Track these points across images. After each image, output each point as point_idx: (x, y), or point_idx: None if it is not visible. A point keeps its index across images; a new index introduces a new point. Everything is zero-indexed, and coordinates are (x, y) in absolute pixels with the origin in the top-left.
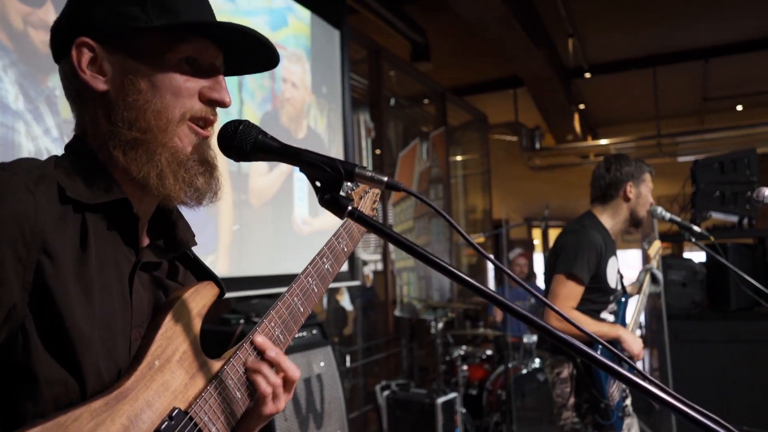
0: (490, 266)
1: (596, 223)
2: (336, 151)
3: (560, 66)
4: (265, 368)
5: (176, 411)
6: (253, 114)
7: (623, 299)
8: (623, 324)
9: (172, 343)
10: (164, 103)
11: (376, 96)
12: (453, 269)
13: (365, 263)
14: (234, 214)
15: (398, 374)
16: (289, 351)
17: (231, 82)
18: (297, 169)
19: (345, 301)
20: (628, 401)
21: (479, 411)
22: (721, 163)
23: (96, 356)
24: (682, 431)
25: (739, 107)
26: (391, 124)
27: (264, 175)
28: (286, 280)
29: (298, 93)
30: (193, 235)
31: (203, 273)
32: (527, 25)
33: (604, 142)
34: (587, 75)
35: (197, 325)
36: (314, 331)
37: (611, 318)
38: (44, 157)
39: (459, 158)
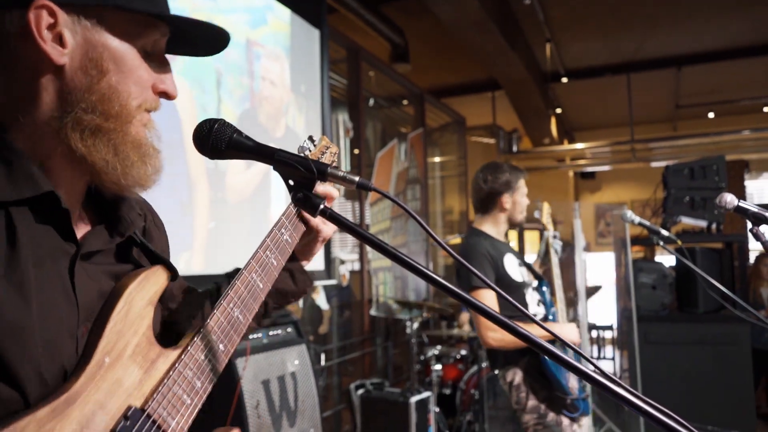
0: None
1: (479, 233)
2: None
3: (538, 70)
4: None
5: (132, 410)
6: (231, 112)
7: (544, 288)
8: (549, 307)
9: (122, 336)
10: (128, 90)
11: (355, 96)
12: (422, 268)
13: (342, 262)
14: (210, 211)
15: (373, 373)
16: (263, 348)
17: (209, 79)
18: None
19: (321, 300)
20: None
21: (453, 410)
22: (692, 169)
23: (36, 360)
24: (650, 431)
25: (711, 114)
26: (370, 125)
27: (241, 172)
28: None
29: (277, 91)
30: (139, 215)
31: (152, 257)
32: (505, 30)
33: (580, 146)
34: (564, 80)
35: (149, 314)
36: (289, 329)
37: (541, 308)
38: None
39: (437, 159)
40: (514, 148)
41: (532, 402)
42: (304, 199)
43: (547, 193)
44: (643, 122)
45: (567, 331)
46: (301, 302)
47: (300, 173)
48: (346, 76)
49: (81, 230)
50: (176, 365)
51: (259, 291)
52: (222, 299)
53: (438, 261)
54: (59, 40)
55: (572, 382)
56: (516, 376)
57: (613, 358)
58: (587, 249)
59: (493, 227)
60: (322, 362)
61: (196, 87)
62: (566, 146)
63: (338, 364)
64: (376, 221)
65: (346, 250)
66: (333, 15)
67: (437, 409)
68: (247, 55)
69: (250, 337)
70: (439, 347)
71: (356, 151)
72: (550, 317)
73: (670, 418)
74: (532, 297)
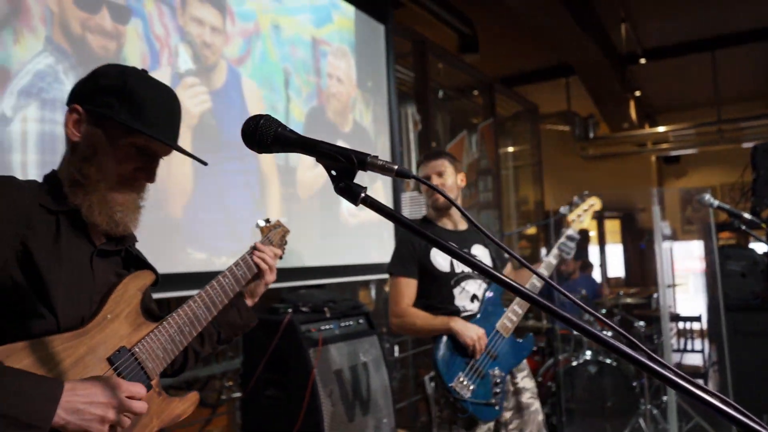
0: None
1: (422, 220)
2: (382, 145)
3: (613, 52)
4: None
5: (122, 348)
6: (299, 109)
7: (489, 285)
8: (495, 309)
9: (119, 305)
10: (105, 167)
11: (423, 89)
12: (471, 258)
13: None
14: (282, 207)
15: None
16: (335, 339)
17: (278, 79)
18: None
19: None
20: (512, 387)
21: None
22: None
23: (65, 304)
24: None
25: None
26: (439, 117)
27: (311, 168)
28: (333, 271)
29: (344, 88)
30: (134, 238)
31: (144, 265)
32: (576, 12)
33: (661, 129)
34: (642, 61)
35: (138, 296)
36: (361, 321)
37: (474, 304)
38: None
39: (510, 149)
40: (591, 135)
41: (435, 394)
42: (346, 189)
43: (628, 179)
44: (730, 101)
45: (463, 330)
46: (373, 294)
47: (341, 164)
48: (413, 69)
49: (99, 240)
50: (155, 330)
51: (218, 302)
52: (192, 299)
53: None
54: (79, 129)
55: (464, 383)
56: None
57: (701, 351)
58: (673, 237)
59: (433, 211)
60: (396, 354)
61: (266, 87)
62: (647, 130)
63: (413, 355)
64: None
65: None
66: (399, 10)
67: None
68: (314, 54)
69: (322, 327)
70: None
71: (434, 144)
72: (478, 315)
73: (731, 408)
74: (463, 290)
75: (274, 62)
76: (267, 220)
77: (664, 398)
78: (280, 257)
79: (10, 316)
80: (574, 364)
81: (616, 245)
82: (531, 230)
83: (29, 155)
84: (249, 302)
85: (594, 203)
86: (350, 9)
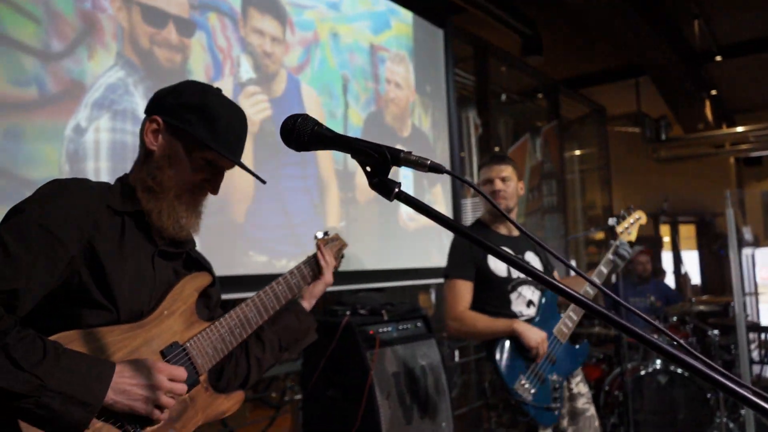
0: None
1: (475, 223)
2: (441, 149)
3: (686, 51)
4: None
5: (174, 343)
6: (357, 115)
7: (544, 291)
8: (552, 314)
9: (176, 303)
10: (178, 176)
11: (483, 92)
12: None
13: None
14: (341, 211)
15: None
16: (393, 342)
17: (336, 85)
18: (404, 167)
19: None
20: (568, 393)
21: (595, 412)
22: None
23: (126, 298)
24: None
25: None
26: (501, 120)
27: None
28: (392, 274)
29: (402, 93)
30: (194, 242)
31: (203, 267)
32: (645, 9)
33: (740, 129)
34: (718, 58)
35: (194, 296)
36: (419, 324)
37: (530, 309)
38: None
39: (577, 153)
40: (663, 136)
41: (492, 400)
42: (380, 184)
43: (704, 182)
44: None
45: (527, 332)
46: (434, 298)
47: (375, 160)
48: (474, 73)
49: (162, 241)
50: (207, 329)
51: (270, 308)
52: (244, 303)
53: (581, 258)
54: (157, 139)
55: (525, 386)
56: (488, 371)
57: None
58: (756, 243)
59: (489, 215)
60: (456, 359)
61: (324, 94)
62: (725, 130)
63: (475, 361)
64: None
65: None
66: (460, 15)
67: None
68: (372, 60)
69: (380, 330)
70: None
71: (497, 149)
72: (537, 319)
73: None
74: (519, 296)
75: (332, 69)
76: (326, 233)
77: (742, 412)
78: (336, 268)
79: (76, 308)
80: (643, 373)
81: (691, 251)
82: (599, 235)
83: (102, 162)
84: (306, 305)
85: (640, 217)
86: (408, 15)
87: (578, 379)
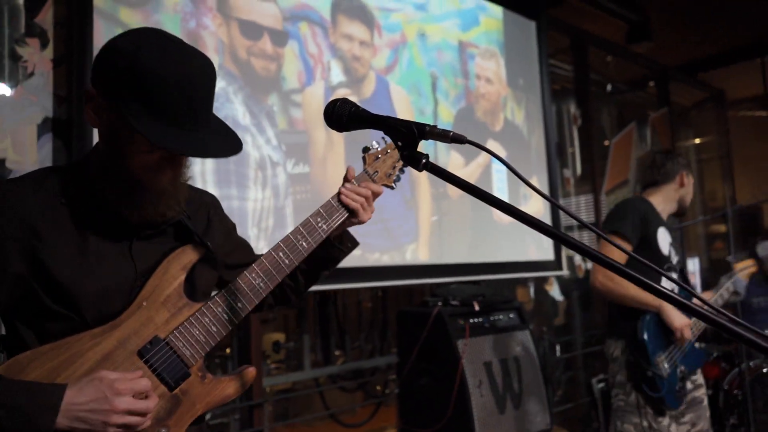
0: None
1: (644, 201)
2: (536, 142)
3: None
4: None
5: (155, 338)
6: (447, 111)
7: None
8: None
9: (158, 288)
10: (131, 160)
11: (583, 83)
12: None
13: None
14: (432, 205)
15: None
16: (484, 331)
17: (425, 83)
18: (494, 159)
19: (555, 291)
20: (690, 385)
21: (714, 412)
22: None
23: (93, 301)
24: None
25: None
26: (605, 110)
27: (462, 167)
28: (485, 268)
29: (493, 88)
30: (180, 209)
31: (193, 239)
32: None
33: None
34: None
35: (182, 275)
36: (511, 315)
37: (673, 287)
38: (267, 163)
39: (697, 141)
40: None
41: (620, 377)
42: (409, 156)
43: None
44: None
45: (672, 312)
46: (532, 292)
47: (404, 134)
48: (573, 64)
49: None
50: (196, 313)
51: (285, 266)
52: (246, 270)
53: (702, 255)
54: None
55: (664, 362)
56: (617, 349)
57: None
58: None
59: (662, 203)
60: (557, 353)
61: (414, 92)
62: None
63: (583, 357)
64: None
65: None
66: (557, 8)
67: None
68: (461, 57)
69: (471, 320)
70: (697, 344)
71: (606, 143)
72: None
73: None
74: (666, 280)
75: (420, 68)
76: (378, 143)
77: None
78: (392, 185)
79: (40, 321)
80: (765, 371)
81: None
82: (721, 228)
83: (207, 164)
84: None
85: (750, 265)
86: (498, 10)
87: (698, 371)
